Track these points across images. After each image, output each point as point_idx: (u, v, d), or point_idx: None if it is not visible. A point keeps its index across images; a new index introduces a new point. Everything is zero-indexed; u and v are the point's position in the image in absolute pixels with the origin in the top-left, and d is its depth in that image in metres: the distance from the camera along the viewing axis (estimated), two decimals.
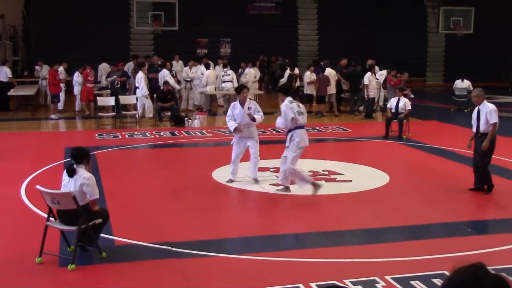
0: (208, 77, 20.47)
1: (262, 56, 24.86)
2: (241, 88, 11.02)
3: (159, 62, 20.95)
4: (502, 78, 31.24)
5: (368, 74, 19.67)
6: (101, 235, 7.36)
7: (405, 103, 16.06)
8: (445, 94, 26.03)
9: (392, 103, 16.40)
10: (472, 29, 30.53)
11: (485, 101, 10.19)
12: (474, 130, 10.25)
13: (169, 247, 7.45)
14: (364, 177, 11.41)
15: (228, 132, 16.74)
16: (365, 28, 30.93)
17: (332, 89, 20.18)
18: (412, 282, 6.43)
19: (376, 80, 20.32)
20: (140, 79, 18.86)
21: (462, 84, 21.73)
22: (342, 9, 31.19)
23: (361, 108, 20.49)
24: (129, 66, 21.82)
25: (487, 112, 9.99)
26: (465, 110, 21.40)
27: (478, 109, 10.17)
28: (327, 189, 10.43)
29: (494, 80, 28.89)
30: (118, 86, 19.65)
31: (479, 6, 30.36)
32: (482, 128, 10.05)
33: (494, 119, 9.95)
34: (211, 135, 16.34)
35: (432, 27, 32.49)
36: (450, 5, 30.64)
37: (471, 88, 21.73)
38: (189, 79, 21.36)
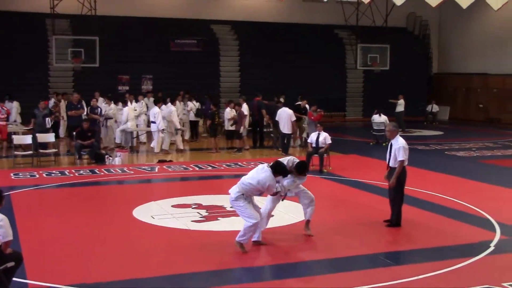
0: (128, 114, 20.26)
1: (182, 92, 24.83)
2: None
3: (79, 99, 20.54)
4: (417, 112, 32.43)
5: (281, 109, 19.85)
6: (14, 279, 7.05)
7: (325, 137, 16.34)
8: (364, 128, 26.74)
9: (312, 137, 16.65)
10: (388, 66, 31.64)
11: (397, 136, 10.43)
12: (387, 162, 10.50)
13: None
14: (285, 211, 11.47)
15: (149, 169, 16.57)
16: (286, 64, 31.54)
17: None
18: None
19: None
20: (158, 114, 19.40)
21: (380, 118, 22.37)
22: (263, 46, 31.70)
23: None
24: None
25: (396, 149, 10.23)
26: (383, 144, 21.97)
27: (391, 144, 10.45)
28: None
29: (410, 115, 29.90)
30: (50, 125, 19.16)
31: (394, 43, 31.54)
32: (392, 162, 10.31)
33: (402, 156, 10.15)
34: (132, 172, 16.09)
35: (350, 64, 33.46)
36: (367, 43, 31.69)
37: (388, 122, 22.46)
38: (109, 117, 21.01)
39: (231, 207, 11.55)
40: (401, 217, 10.40)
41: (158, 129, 19.57)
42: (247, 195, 8.90)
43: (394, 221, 10.40)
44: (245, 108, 20.95)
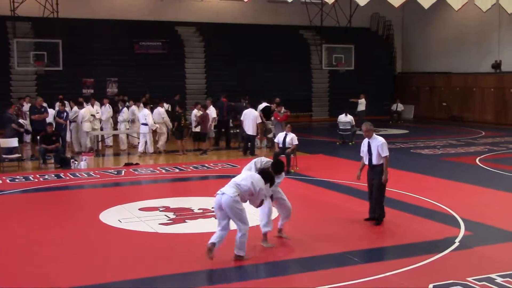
0: (83, 116, 20.18)
1: (147, 94, 24.74)
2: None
3: (43, 104, 20.26)
4: (383, 111, 32.78)
5: (247, 110, 19.89)
6: None
7: (292, 138, 16.39)
8: (330, 128, 26.92)
9: (279, 138, 16.70)
10: (353, 65, 31.91)
11: (374, 135, 10.66)
12: (366, 162, 10.66)
13: None
14: (253, 212, 11.46)
15: (116, 172, 16.43)
16: (252, 65, 31.59)
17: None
18: None
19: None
20: (148, 115, 19.67)
21: (346, 118, 22.53)
22: (229, 47, 31.70)
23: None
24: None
25: (379, 146, 10.50)
26: (350, 143, 22.21)
27: (369, 142, 10.61)
28: (209, 226, 10.40)
29: (376, 114, 30.23)
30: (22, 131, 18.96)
31: (358, 43, 31.83)
32: (375, 160, 10.55)
33: (386, 152, 10.51)
34: (98, 176, 15.93)
35: (316, 64, 33.65)
36: (332, 43, 31.92)
37: (354, 122, 22.69)
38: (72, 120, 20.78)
39: (199, 209, 11.59)
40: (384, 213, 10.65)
41: (149, 130, 19.74)
42: (241, 198, 8.60)
43: (380, 215, 10.57)
44: (212, 110, 20.92)
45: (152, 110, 20.54)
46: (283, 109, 20.42)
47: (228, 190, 8.48)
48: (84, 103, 21.23)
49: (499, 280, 7.63)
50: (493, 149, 20.76)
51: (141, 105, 21.44)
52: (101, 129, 21.63)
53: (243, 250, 8.59)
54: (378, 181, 10.50)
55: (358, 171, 10.97)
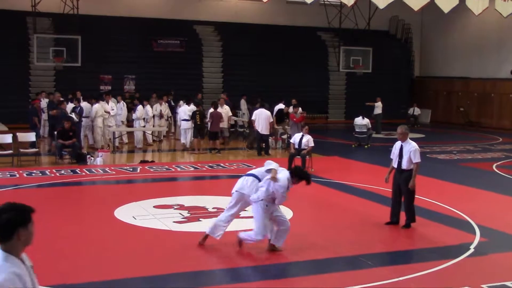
0: (96, 111, 20.36)
1: (172, 92, 24.96)
2: None
3: (61, 99, 20.42)
4: (399, 115, 32.63)
5: (259, 110, 19.87)
6: None
7: (308, 139, 16.38)
8: (346, 131, 26.85)
9: (295, 139, 16.69)
10: (370, 68, 31.80)
11: (408, 139, 10.60)
12: (395, 165, 10.61)
13: None
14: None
15: (131, 169, 16.50)
16: (269, 66, 31.59)
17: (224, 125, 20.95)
18: None
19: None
20: (189, 111, 20.52)
21: (362, 121, 22.46)
22: (247, 47, 31.73)
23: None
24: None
25: (411, 151, 10.42)
26: (366, 146, 22.14)
27: (401, 146, 10.54)
28: (232, 225, 10.41)
29: (392, 117, 30.10)
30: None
31: (376, 46, 31.72)
32: (405, 165, 10.47)
33: (418, 158, 10.43)
34: (114, 172, 16.00)
35: (333, 66, 33.60)
36: (350, 45, 31.84)
37: (370, 125, 22.62)
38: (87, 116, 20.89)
39: (213, 208, 11.61)
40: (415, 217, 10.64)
41: (191, 126, 20.34)
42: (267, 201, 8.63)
43: (411, 219, 10.55)
44: (227, 109, 21.06)
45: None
46: (300, 110, 20.40)
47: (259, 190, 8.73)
48: (100, 100, 21.38)
49: None
50: (510, 156, 20.60)
51: (181, 102, 22.43)
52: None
53: (247, 241, 8.86)
54: (407, 187, 10.44)
55: (386, 174, 10.86)
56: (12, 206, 3.71)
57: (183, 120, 20.86)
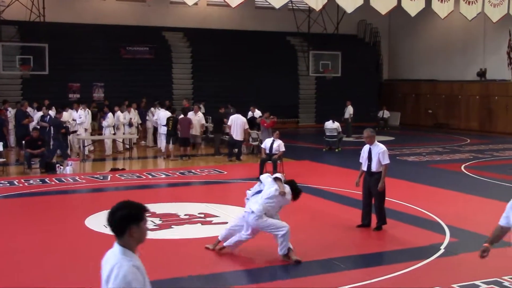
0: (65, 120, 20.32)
1: (144, 99, 24.84)
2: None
3: (28, 109, 20.27)
4: (369, 118, 32.86)
5: (235, 116, 19.92)
6: None
7: (279, 144, 16.41)
8: (316, 135, 26.97)
9: (266, 144, 16.71)
10: (340, 72, 32.01)
11: (376, 142, 10.67)
12: (365, 169, 10.68)
13: None
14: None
15: (102, 178, 16.33)
16: (239, 71, 31.58)
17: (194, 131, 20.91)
18: None
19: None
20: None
21: (333, 125, 22.57)
22: (216, 53, 31.71)
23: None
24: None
25: (380, 153, 10.52)
26: (336, 150, 22.28)
27: (370, 149, 10.61)
28: (204, 231, 10.41)
29: (362, 121, 30.31)
30: None
31: (345, 50, 31.94)
32: (375, 167, 10.57)
33: (387, 160, 10.54)
34: (84, 181, 15.84)
35: (302, 70, 33.72)
36: (319, 50, 32.01)
37: (340, 129, 22.76)
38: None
39: (185, 215, 11.55)
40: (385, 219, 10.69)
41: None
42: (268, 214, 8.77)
43: (382, 221, 10.60)
44: (199, 116, 21.16)
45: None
46: (270, 115, 20.45)
47: (252, 207, 8.72)
48: (68, 108, 21.22)
49: (483, 286, 7.69)
50: (478, 157, 20.90)
51: (157, 106, 22.61)
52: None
53: (286, 246, 8.67)
54: (377, 189, 10.51)
55: (357, 178, 10.93)
56: (127, 204, 3.92)
57: (163, 125, 20.81)
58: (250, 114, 22.23)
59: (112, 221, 3.90)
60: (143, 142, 24.26)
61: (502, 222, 5.81)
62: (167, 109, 21.62)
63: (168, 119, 20.47)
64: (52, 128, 18.99)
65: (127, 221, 3.87)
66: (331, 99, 32.07)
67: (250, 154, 21.36)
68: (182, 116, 20.37)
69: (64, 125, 19.33)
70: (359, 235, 10.50)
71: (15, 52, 26.45)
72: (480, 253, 5.99)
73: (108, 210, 3.92)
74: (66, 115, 20.45)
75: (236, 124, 19.49)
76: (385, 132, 30.19)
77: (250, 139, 21.39)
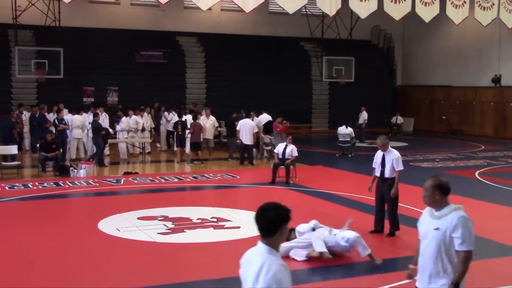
0: (73, 122, 20.48)
1: (157, 103, 24.96)
2: None
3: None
4: (382, 124, 32.78)
5: (243, 120, 19.94)
6: None
7: (292, 149, 16.40)
8: (330, 140, 26.92)
9: (279, 149, 16.70)
10: (353, 78, 31.95)
11: (390, 148, 10.67)
12: (378, 174, 10.68)
13: None
14: (252, 223, 11.44)
15: (115, 181, 16.40)
16: (252, 76, 31.64)
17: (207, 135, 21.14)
18: None
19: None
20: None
21: (346, 130, 22.52)
22: (229, 58, 31.77)
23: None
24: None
25: (394, 160, 10.53)
26: (349, 155, 22.22)
27: (383, 155, 10.61)
28: (216, 236, 10.42)
29: (375, 126, 30.23)
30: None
31: (359, 56, 31.89)
32: (388, 173, 10.58)
33: (401, 166, 10.57)
34: (97, 185, 15.91)
35: (316, 76, 33.68)
36: (333, 55, 31.97)
37: (353, 134, 22.70)
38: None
39: (198, 219, 11.57)
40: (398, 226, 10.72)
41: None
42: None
43: (395, 227, 10.64)
44: (213, 120, 21.28)
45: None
46: (283, 120, 20.46)
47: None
48: (82, 111, 21.39)
49: None
50: (492, 163, 20.77)
51: (166, 112, 23.11)
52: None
53: (366, 247, 9.07)
54: (390, 195, 10.52)
55: (370, 183, 10.95)
56: (276, 204, 4.01)
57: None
58: (266, 117, 22.19)
59: (264, 221, 3.97)
60: (158, 145, 24.35)
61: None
62: (190, 113, 21.77)
63: (176, 123, 20.65)
64: (92, 131, 19.63)
65: (280, 222, 3.95)
66: (344, 105, 32.00)
67: (262, 159, 21.33)
68: (193, 120, 20.46)
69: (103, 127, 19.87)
70: (372, 241, 10.44)
71: (31, 56, 26.63)
72: (407, 276, 5.96)
73: (257, 211, 4.00)
74: (81, 118, 20.60)
75: (245, 128, 19.55)
76: (398, 138, 30.09)
77: (264, 145, 21.41)
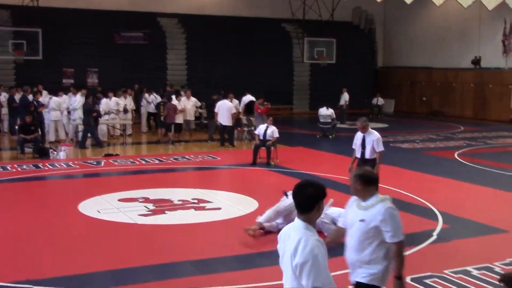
0: (51, 104, 20.36)
1: (137, 85, 24.74)
2: None
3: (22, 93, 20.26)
4: (363, 105, 32.87)
5: (221, 102, 19.90)
6: None
7: (273, 130, 16.41)
8: (310, 121, 26.96)
9: (260, 130, 16.70)
10: (334, 59, 31.97)
11: (370, 129, 10.71)
12: (359, 156, 10.72)
13: (30, 286, 7.07)
14: (233, 204, 11.48)
15: (95, 163, 16.31)
16: (233, 58, 31.49)
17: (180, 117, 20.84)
18: None
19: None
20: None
21: (327, 111, 22.56)
22: (211, 39, 31.56)
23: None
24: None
25: (374, 141, 10.59)
26: (330, 137, 22.28)
27: (363, 136, 10.64)
28: (197, 217, 10.43)
29: (356, 107, 30.32)
30: None
31: (340, 37, 31.88)
32: (368, 155, 10.65)
33: (381, 147, 10.63)
34: (77, 167, 15.81)
35: (297, 57, 33.64)
36: (314, 37, 31.92)
37: (334, 115, 22.75)
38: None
39: (179, 201, 11.56)
40: None
41: None
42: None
43: None
44: (192, 101, 21.16)
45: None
46: (264, 102, 20.44)
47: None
48: (62, 93, 21.17)
49: (475, 272, 7.72)
50: (472, 144, 20.96)
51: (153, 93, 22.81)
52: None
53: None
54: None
55: (350, 164, 11.00)
56: (314, 181, 4.14)
57: None
58: (249, 98, 22.16)
59: (303, 198, 4.08)
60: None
61: (339, 223, 5.72)
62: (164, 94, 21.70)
63: (158, 104, 20.62)
64: (83, 112, 19.50)
65: (317, 198, 4.06)
66: (326, 86, 32.03)
67: (244, 140, 21.33)
68: (176, 103, 20.37)
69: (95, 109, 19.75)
70: None
71: (8, 37, 26.28)
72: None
73: (294, 188, 4.09)
74: (59, 100, 20.42)
75: (223, 109, 19.54)
76: (379, 119, 30.22)
77: (243, 126, 21.40)
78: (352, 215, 5.14)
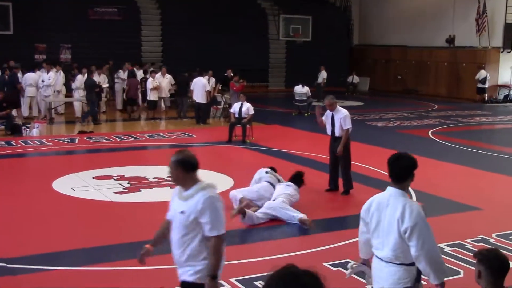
0: (25, 80, 20.17)
1: (111, 61, 24.42)
2: None
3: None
4: (339, 83, 32.94)
5: (196, 79, 19.83)
6: None
7: (248, 108, 16.39)
8: (286, 99, 26.97)
9: (235, 108, 16.67)
10: (310, 37, 31.92)
11: (338, 107, 10.75)
12: (329, 133, 10.77)
13: (4, 264, 7.01)
14: (208, 181, 11.46)
15: (69, 140, 16.15)
16: (208, 35, 31.24)
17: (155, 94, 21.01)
18: (256, 283, 6.55)
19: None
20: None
21: (302, 89, 22.59)
22: (186, 16, 31.26)
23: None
24: None
25: (341, 118, 10.64)
26: (306, 114, 22.33)
27: (332, 114, 10.70)
28: (163, 195, 10.40)
29: (332, 85, 30.38)
30: None
31: (316, 15, 31.83)
32: (338, 132, 10.73)
33: (348, 124, 10.67)
34: (51, 144, 15.65)
35: (273, 34, 33.55)
36: (290, 14, 31.81)
37: (310, 93, 22.78)
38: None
39: (154, 178, 11.53)
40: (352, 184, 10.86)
41: None
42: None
43: (349, 185, 10.74)
44: (167, 78, 21.16)
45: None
46: (239, 79, 20.38)
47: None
48: (36, 69, 20.86)
49: (447, 249, 7.85)
50: (445, 123, 21.18)
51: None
52: None
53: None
54: (343, 154, 10.64)
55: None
56: (406, 154, 4.66)
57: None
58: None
59: (399, 168, 4.56)
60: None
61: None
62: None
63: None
64: (85, 88, 19.62)
65: (411, 169, 4.56)
66: (301, 64, 32.00)
67: (219, 117, 21.30)
68: (150, 80, 20.29)
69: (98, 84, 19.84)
70: (327, 199, 10.61)
71: None
72: (138, 258, 5.21)
73: (390, 160, 4.58)
74: (35, 76, 20.11)
75: (198, 86, 19.50)
76: (354, 97, 30.34)
77: (216, 104, 21.39)
78: (174, 206, 4.66)
